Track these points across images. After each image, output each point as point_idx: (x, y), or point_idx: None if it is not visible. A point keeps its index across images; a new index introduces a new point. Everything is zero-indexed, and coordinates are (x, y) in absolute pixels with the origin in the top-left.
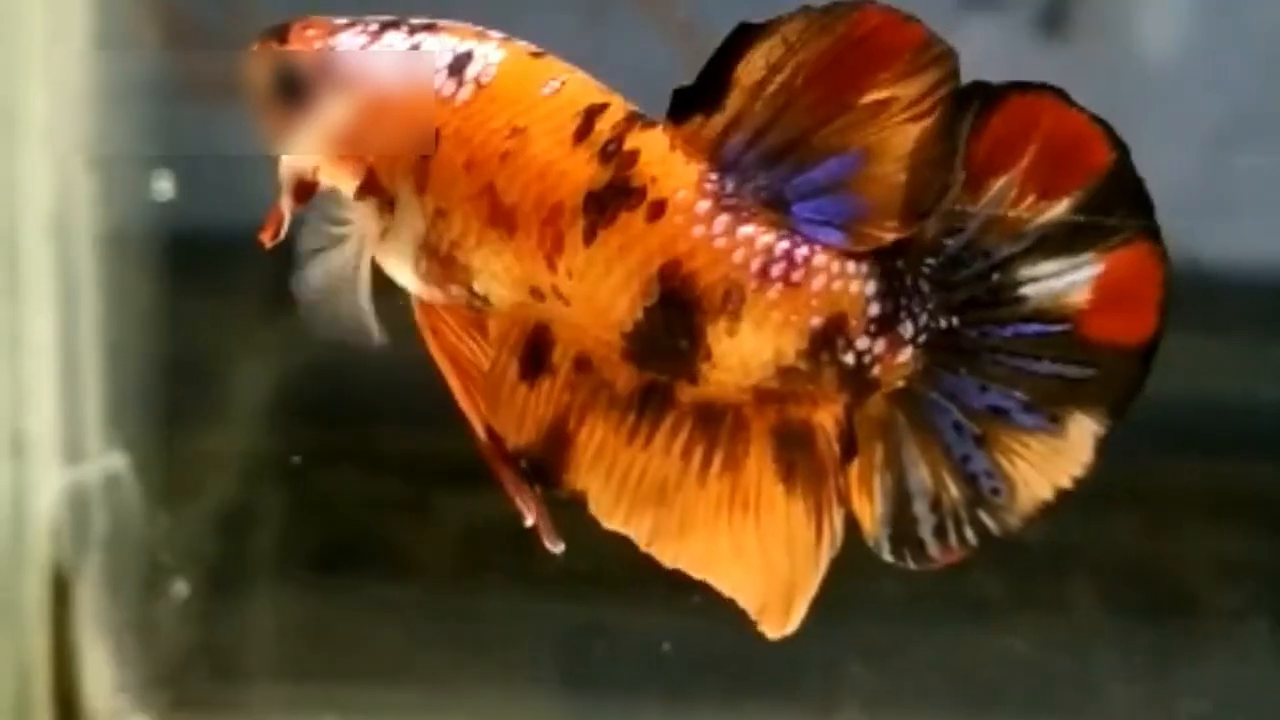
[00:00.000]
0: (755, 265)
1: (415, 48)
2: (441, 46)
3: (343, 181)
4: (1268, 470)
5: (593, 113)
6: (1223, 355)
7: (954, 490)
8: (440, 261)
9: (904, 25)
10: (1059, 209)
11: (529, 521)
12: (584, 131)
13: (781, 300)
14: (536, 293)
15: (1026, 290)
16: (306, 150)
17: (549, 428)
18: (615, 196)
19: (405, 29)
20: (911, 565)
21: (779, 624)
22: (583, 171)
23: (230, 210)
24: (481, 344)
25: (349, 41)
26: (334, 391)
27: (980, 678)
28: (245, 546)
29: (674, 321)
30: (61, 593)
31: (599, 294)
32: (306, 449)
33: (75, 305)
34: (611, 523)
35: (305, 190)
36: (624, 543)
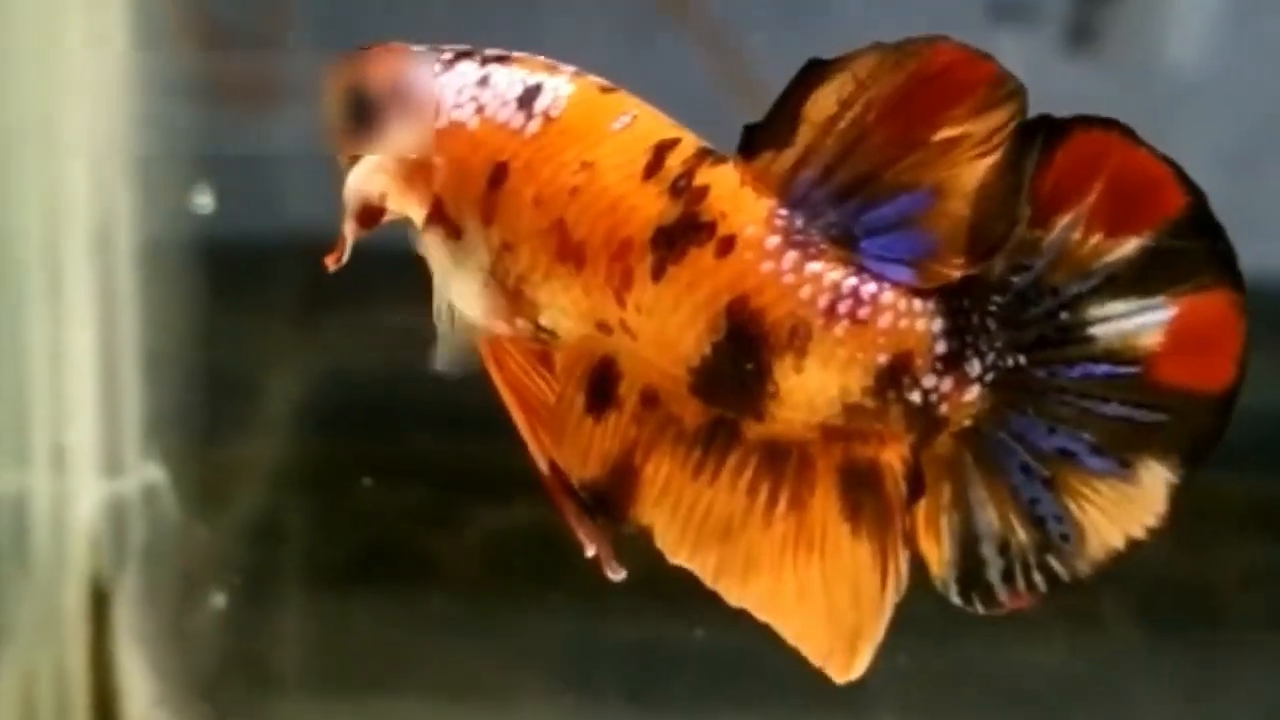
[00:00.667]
0: (823, 302)
1: (485, 79)
2: (511, 78)
3: (411, 210)
4: None
5: (663, 148)
6: (1262, 369)
7: (1022, 534)
8: (506, 294)
9: (977, 62)
10: (1127, 248)
11: (590, 553)
12: (654, 167)
13: (848, 337)
14: (604, 327)
15: (1095, 330)
16: (372, 173)
17: (615, 462)
18: (685, 232)
19: (478, 59)
20: (980, 610)
21: (844, 670)
22: (653, 207)
23: (269, 222)
24: (546, 377)
25: (422, 69)
26: (370, 403)
27: (1015, 690)
28: (282, 557)
29: (741, 357)
30: (100, 603)
31: (667, 329)
32: (343, 460)
33: (115, 318)
34: (677, 558)
35: (371, 216)
36: (660, 553)
